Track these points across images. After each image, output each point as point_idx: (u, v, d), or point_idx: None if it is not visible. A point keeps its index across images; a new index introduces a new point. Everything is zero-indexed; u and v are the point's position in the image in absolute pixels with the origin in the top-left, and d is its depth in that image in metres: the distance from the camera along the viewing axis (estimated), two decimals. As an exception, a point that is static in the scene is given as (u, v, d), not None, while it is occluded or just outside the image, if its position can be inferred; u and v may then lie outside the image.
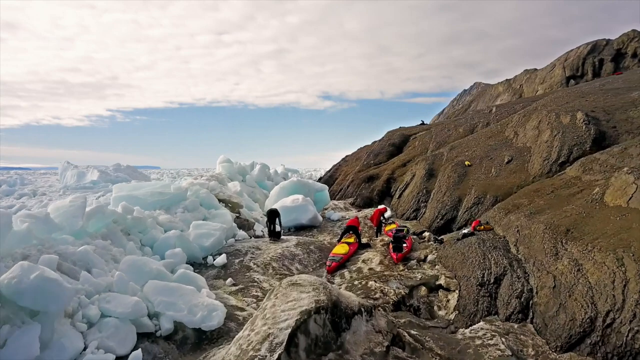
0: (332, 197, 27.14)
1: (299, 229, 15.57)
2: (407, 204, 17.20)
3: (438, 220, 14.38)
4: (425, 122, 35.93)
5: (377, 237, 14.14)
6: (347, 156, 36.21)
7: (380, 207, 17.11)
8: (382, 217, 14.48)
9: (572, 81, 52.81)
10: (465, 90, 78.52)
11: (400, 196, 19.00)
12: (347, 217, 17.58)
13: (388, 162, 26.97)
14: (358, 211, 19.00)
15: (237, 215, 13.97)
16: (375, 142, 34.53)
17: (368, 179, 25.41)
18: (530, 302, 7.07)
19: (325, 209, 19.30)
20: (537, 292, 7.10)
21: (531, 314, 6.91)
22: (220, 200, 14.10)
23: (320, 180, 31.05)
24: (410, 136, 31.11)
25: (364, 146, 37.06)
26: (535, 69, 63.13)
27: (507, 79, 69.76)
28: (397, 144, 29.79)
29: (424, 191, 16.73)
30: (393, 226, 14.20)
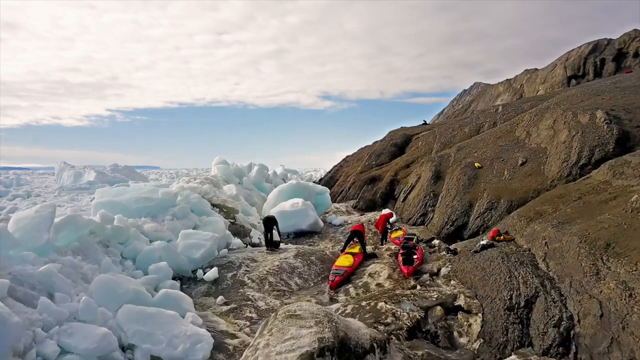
0: (333, 199, 25.98)
1: (298, 235, 14.42)
2: (414, 208, 16.02)
3: (448, 226, 13.22)
4: (427, 122, 34.80)
5: (382, 244, 12.99)
6: (347, 157, 35.08)
7: (386, 211, 15.93)
8: (387, 223, 13.32)
9: (573, 81, 51.90)
10: (465, 90, 77.43)
11: (405, 199, 17.84)
12: (349, 221, 16.42)
13: (390, 163, 25.84)
14: (361, 215, 17.85)
15: (232, 221, 12.81)
16: (376, 142, 33.40)
17: (370, 180, 24.27)
18: (572, 332, 5.91)
19: (327, 213, 18.15)
20: (579, 321, 5.95)
21: (574, 347, 5.76)
22: (214, 205, 12.93)
23: (320, 181, 29.88)
24: (412, 136, 29.99)
25: (365, 146, 35.94)
26: (536, 69, 62.19)
27: (507, 79, 68.86)
28: (400, 144, 28.67)
29: (431, 195, 15.57)
30: (400, 233, 13.04)
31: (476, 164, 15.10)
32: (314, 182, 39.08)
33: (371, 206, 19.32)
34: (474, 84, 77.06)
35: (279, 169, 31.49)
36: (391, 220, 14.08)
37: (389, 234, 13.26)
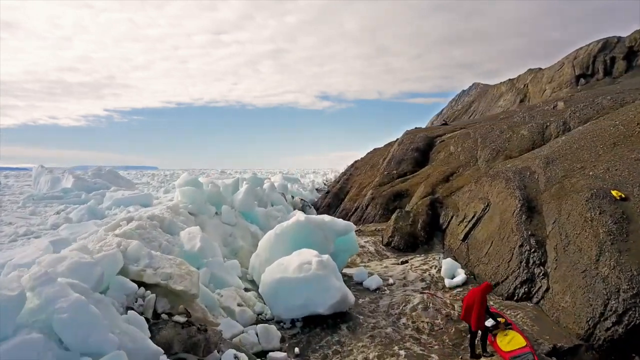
0: (345, 219, 18.96)
1: (310, 323, 7.31)
2: (499, 263, 8.89)
3: (607, 322, 6.21)
4: (447, 123, 27.83)
5: (475, 356, 6.00)
6: (356, 162, 27.92)
7: (456, 271, 8.90)
8: (489, 314, 6.28)
9: (582, 80, 45.93)
10: (464, 91, 70.73)
11: (467, 238, 10.77)
12: (391, 279, 9.35)
13: (417, 173, 18.81)
14: (402, 262, 10.73)
15: (183, 319, 5.78)
16: (390, 144, 26.32)
17: (395, 196, 17.25)
18: None
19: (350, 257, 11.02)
20: None
21: None
22: (147, 287, 5.89)
23: (327, 194, 22.64)
24: (434, 139, 23.03)
25: (375, 150, 28.82)
26: (540, 69, 56.11)
27: (510, 79, 62.67)
28: (422, 149, 21.66)
29: (533, 242, 8.50)
30: (517, 339, 6.00)
31: (614, 193, 8.08)
32: (317, 189, 31.87)
33: (412, 243, 12.17)
34: (473, 84, 70.47)
35: (277, 179, 24.26)
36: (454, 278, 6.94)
37: (491, 335, 6.25)
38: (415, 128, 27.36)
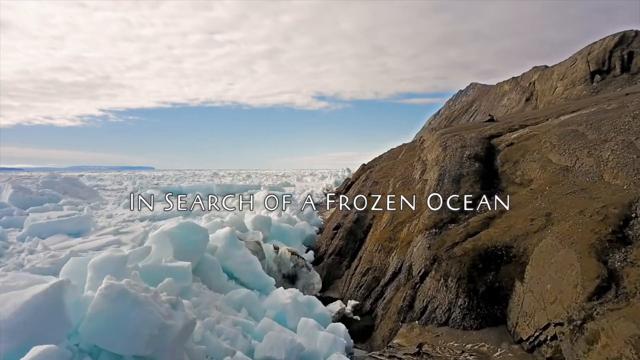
0: (361, 298, 9.29)
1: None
2: None
3: None
4: (494, 118, 18.28)
5: None
6: (368, 170, 18.10)
7: None
8: None
9: (597, 76, 36.90)
10: (461, 91, 61.48)
11: None
12: None
13: (509, 206, 9.25)
14: None
15: None
16: (413, 147, 16.59)
17: (483, 261, 7.53)
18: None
19: None
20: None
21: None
22: None
23: (336, 232, 12.60)
24: (490, 139, 13.59)
25: (391, 152, 19.10)
26: (546, 66, 47.38)
27: (513, 77, 53.54)
28: (483, 158, 12.07)
29: None
30: None
31: None
32: (316, 204, 22.10)
33: None
34: (470, 84, 61.17)
35: (261, 197, 14.32)
36: None
37: None
38: (452, 126, 17.78)
